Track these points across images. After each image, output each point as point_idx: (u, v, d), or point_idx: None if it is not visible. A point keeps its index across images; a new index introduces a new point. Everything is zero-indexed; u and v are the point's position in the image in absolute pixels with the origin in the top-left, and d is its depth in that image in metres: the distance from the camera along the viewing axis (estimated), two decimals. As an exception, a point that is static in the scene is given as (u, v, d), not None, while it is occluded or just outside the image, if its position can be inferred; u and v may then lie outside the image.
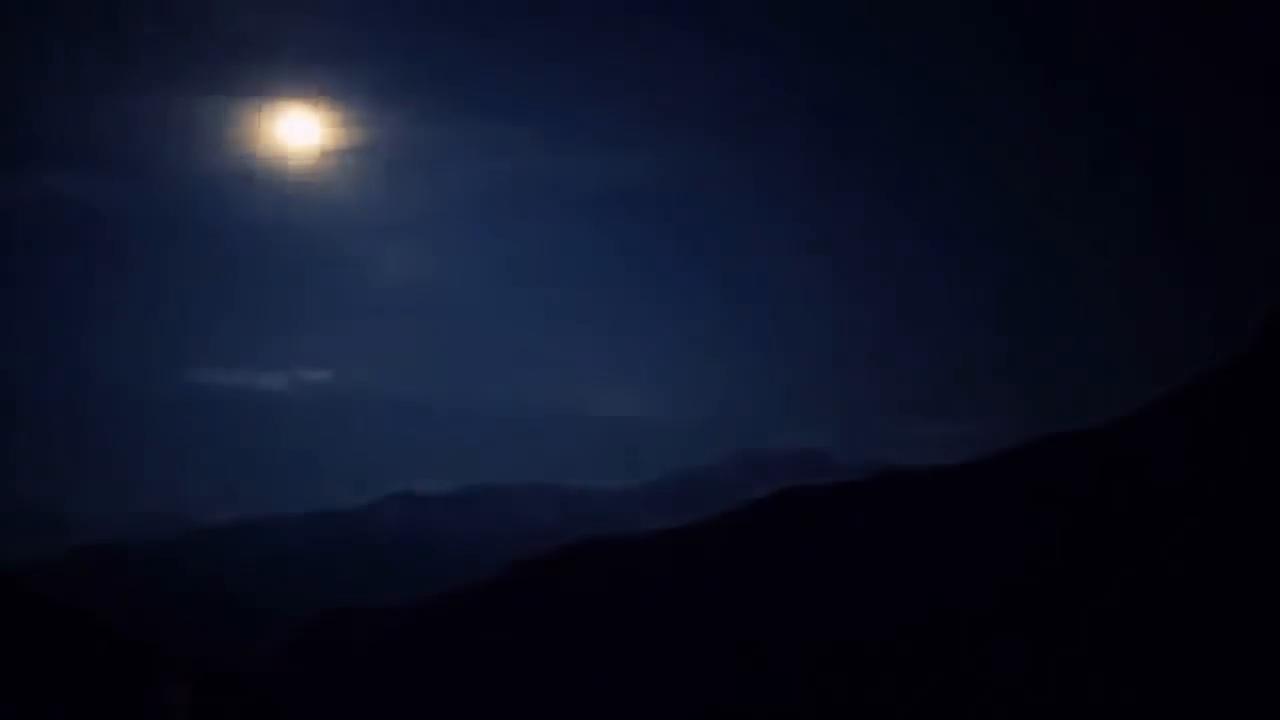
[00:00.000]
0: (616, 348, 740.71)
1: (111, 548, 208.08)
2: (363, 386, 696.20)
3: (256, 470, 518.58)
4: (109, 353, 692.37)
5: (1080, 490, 58.75)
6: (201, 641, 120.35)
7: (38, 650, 51.45)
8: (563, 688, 74.29)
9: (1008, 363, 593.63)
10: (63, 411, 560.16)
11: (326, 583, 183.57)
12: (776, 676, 60.77)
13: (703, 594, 78.70)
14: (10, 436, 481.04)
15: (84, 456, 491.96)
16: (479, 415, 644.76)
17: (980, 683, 46.62)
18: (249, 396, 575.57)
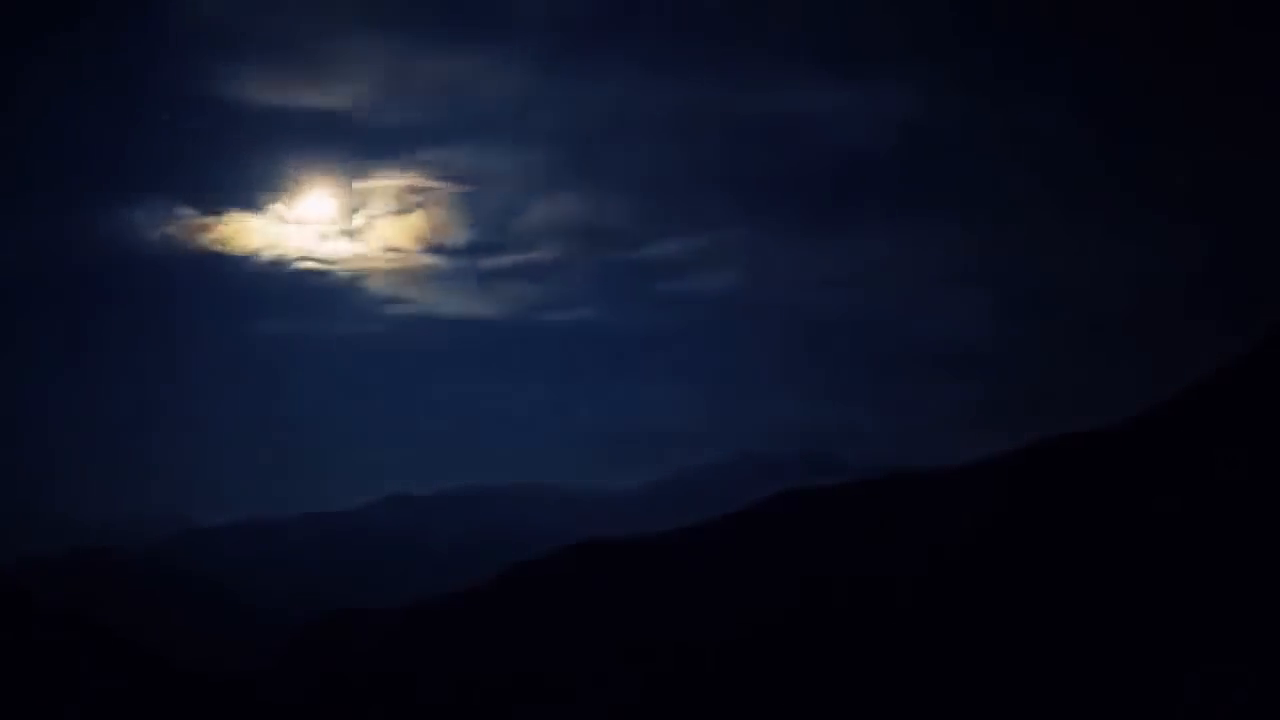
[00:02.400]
0: (615, 347, 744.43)
1: (107, 549, 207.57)
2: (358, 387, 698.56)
3: (251, 472, 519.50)
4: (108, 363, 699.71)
5: (1084, 491, 58.60)
6: (198, 644, 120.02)
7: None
8: (560, 691, 73.99)
9: (1013, 364, 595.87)
10: (59, 414, 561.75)
11: (323, 585, 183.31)
12: (780, 679, 60.54)
13: (704, 597, 78.37)
14: (6, 438, 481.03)
15: (79, 458, 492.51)
16: (476, 416, 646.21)
17: (985, 684, 46.44)
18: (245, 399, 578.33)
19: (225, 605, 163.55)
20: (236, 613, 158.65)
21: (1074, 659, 45.00)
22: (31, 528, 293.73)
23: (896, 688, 52.74)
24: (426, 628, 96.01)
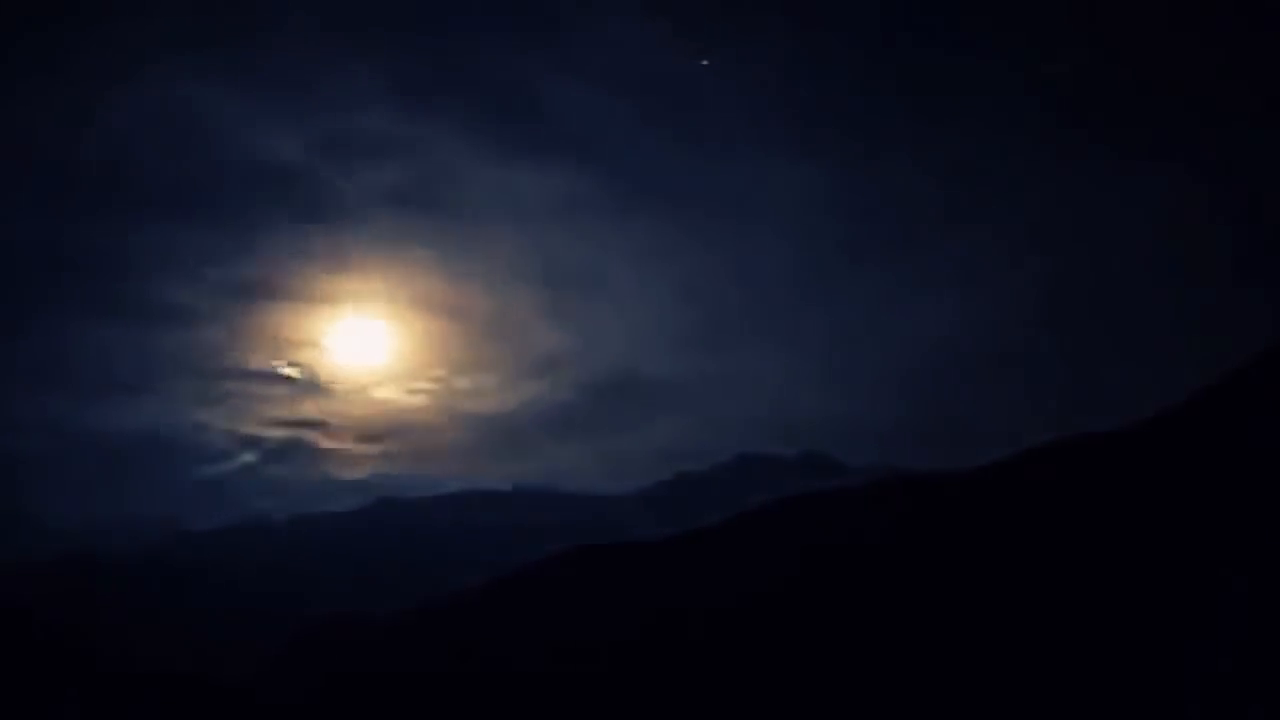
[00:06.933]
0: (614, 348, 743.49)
1: (98, 553, 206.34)
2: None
3: (242, 473, 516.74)
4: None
5: (1093, 494, 58.17)
6: (195, 647, 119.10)
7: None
8: (556, 697, 73.39)
9: (1020, 364, 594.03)
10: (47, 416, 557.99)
11: (316, 589, 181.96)
12: (774, 688, 59.98)
13: (702, 602, 77.87)
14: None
15: (68, 461, 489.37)
16: (472, 418, 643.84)
17: (1004, 690, 45.96)
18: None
19: (221, 608, 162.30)
20: (226, 619, 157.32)
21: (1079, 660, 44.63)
22: (21, 534, 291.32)
23: (898, 682, 52.27)
24: (419, 635, 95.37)
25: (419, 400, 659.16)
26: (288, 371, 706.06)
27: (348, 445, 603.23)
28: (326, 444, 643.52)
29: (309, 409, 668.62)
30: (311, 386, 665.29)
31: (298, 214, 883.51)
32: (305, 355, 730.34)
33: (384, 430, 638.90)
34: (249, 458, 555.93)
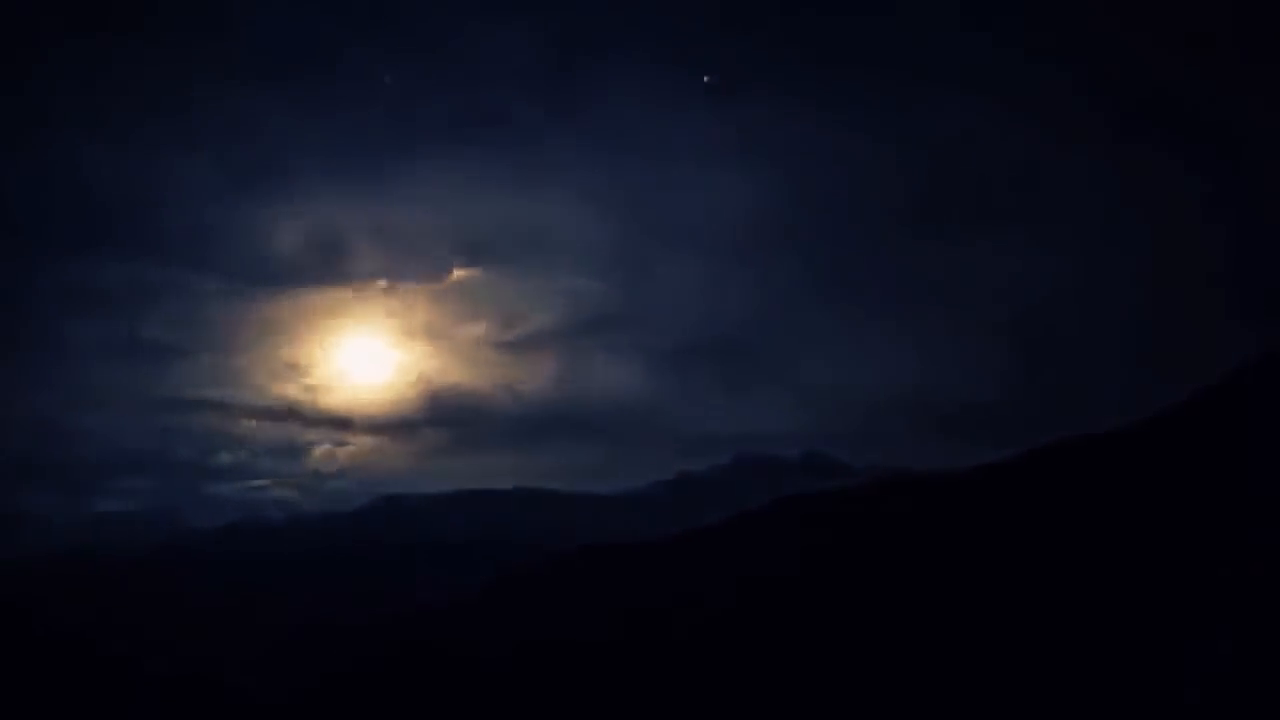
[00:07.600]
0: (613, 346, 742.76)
1: (98, 552, 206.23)
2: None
3: (242, 471, 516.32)
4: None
5: (1093, 494, 58.22)
6: (194, 647, 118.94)
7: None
8: (556, 697, 73.31)
9: (1024, 363, 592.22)
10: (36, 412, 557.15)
11: (316, 588, 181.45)
12: (774, 688, 59.98)
13: (701, 603, 77.83)
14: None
15: (65, 459, 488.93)
16: (469, 417, 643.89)
17: (1005, 689, 45.98)
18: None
19: (221, 608, 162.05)
20: (233, 615, 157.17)
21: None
22: (21, 533, 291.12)
23: (899, 681, 52.31)
24: (425, 629, 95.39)
25: (423, 390, 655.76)
26: (287, 365, 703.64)
27: (350, 442, 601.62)
28: (327, 441, 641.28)
29: (310, 405, 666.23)
30: (313, 381, 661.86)
31: (298, 198, 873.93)
32: (308, 349, 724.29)
33: (386, 425, 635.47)
34: (248, 456, 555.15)
